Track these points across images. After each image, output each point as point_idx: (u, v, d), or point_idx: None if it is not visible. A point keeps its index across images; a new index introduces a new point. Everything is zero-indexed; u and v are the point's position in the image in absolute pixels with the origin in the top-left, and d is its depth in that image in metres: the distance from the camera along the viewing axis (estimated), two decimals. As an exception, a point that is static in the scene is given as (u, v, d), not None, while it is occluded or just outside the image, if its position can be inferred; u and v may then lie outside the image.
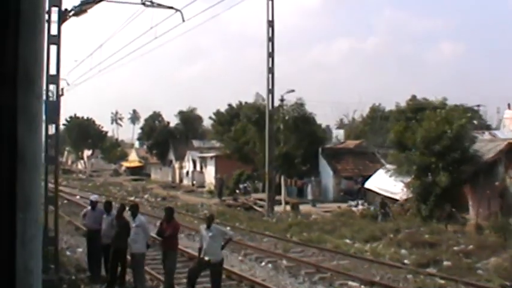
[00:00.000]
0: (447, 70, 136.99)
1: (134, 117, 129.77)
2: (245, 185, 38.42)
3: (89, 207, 14.33)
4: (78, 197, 36.35)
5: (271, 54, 26.13)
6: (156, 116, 68.12)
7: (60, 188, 44.71)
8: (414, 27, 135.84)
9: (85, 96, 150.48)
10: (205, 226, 12.22)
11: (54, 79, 14.42)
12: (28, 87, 1.31)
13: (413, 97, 44.58)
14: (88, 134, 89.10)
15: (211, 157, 50.82)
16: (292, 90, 35.01)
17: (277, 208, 30.99)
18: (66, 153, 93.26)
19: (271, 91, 26.25)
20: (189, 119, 65.55)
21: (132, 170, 71.14)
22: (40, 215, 1.40)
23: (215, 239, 12.02)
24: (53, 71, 14.45)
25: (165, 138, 64.15)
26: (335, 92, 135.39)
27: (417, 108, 43.01)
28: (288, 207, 33.95)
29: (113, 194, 39.92)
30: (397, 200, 32.78)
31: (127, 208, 13.91)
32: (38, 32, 1.35)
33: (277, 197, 40.56)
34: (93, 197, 14.87)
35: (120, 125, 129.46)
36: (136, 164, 72.75)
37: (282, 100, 34.45)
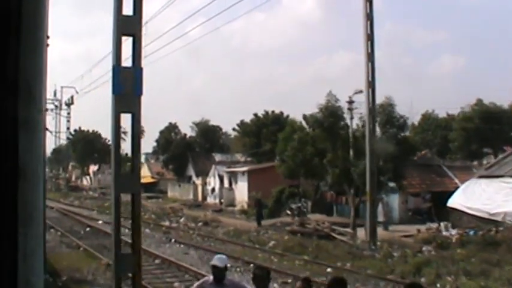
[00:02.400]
0: (448, 82, 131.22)
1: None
2: (299, 204, 31.02)
3: (210, 277, 6.92)
4: (100, 221, 28.75)
5: (370, 37, 19.09)
6: (172, 128, 60.63)
7: (75, 209, 37.12)
8: (415, 40, 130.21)
9: (87, 108, 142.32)
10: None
11: (131, 24, 7.06)
12: (29, 101, 1.26)
13: (479, 101, 37.63)
14: (94, 148, 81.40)
15: (244, 172, 43.48)
16: (361, 91, 27.98)
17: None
18: (70, 168, 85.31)
19: (371, 84, 19.14)
20: (208, 130, 58.23)
21: (145, 187, 63.49)
22: (41, 229, 1.30)
23: None
24: (128, 10, 7.10)
25: (182, 151, 56.70)
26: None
27: (487, 114, 36.19)
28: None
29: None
30: (496, 222, 25.79)
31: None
32: (39, 45, 1.30)
33: (331, 218, 33.43)
34: (220, 259, 7.08)
35: (124, 139, 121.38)
36: (149, 179, 65.09)
37: (350, 102, 27.36)
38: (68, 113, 52.77)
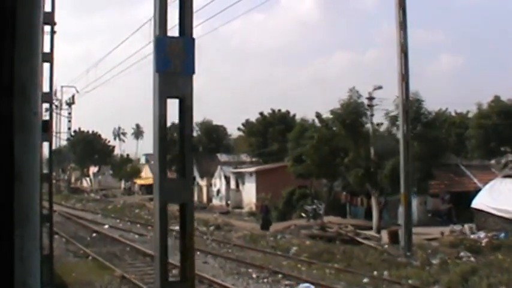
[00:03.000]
0: (447, 80, 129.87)
1: (137, 132, 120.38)
2: (314, 206, 29.38)
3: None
4: (106, 226, 27.03)
5: (402, 25, 17.46)
6: (174, 128, 58.77)
7: (78, 213, 35.31)
8: (414, 39, 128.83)
9: (87, 108, 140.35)
10: None
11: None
12: (24, 101, 1.25)
13: (497, 98, 36.04)
14: (94, 149, 79.55)
15: (251, 172, 41.81)
16: (380, 87, 26.46)
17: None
18: (69, 169, 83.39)
19: (404, 77, 17.48)
20: (212, 130, 56.53)
21: (147, 188, 61.78)
22: (38, 231, 1.30)
23: None
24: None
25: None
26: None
27: (506, 112, 34.62)
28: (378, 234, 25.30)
29: (148, 221, 30.58)
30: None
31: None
32: (34, 47, 1.28)
33: (346, 221, 31.82)
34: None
35: (123, 141, 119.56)
36: (152, 181, 63.34)
37: (370, 99, 25.77)
38: (69, 113, 50.90)
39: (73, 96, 47.56)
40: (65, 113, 49.59)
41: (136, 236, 23.28)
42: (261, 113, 49.98)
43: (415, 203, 32.12)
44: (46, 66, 14.84)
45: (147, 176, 65.80)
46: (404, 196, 17.51)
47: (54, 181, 55.32)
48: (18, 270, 1.20)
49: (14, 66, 1.22)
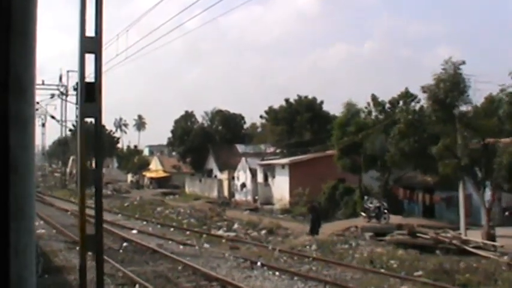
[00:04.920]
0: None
1: (139, 123, 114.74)
2: (377, 204, 24.38)
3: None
4: (134, 231, 21.86)
5: None
6: (188, 117, 53.48)
7: (93, 212, 30.06)
8: (411, 32, 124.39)
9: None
10: None
11: None
12: (20, 94, 1.22)
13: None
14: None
15: (283, 165, 36.66)
16: (463, 62, 21.44)
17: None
18: (71, 162, 77.73)
19: None
20: (230, 119, 51.29)
21: (158, 182, 56.60)
22: (33, 224, 1.26)
23: None
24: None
25: (201, 142, 49.71)
26: (334, 94, 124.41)
27: None
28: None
29: (180, 223, 25.38)
30: None
31: None
32: (29, 39, 1.26)
33: (413, 220, 26.96)
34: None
35: (125, 132, 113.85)
36: (162, 174, 58.07)
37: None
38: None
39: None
40: (72, 99, 44.12)
41: (181, 247, 18.07)
42: (287, 100, 44.77)
43: (486, 199, 27.44)
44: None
45: (156, 168, 60.52)
46: None
47: (58, 174, 49.34)
48: (14, 264, 1.16)
49: (10, 60, 1.18)
